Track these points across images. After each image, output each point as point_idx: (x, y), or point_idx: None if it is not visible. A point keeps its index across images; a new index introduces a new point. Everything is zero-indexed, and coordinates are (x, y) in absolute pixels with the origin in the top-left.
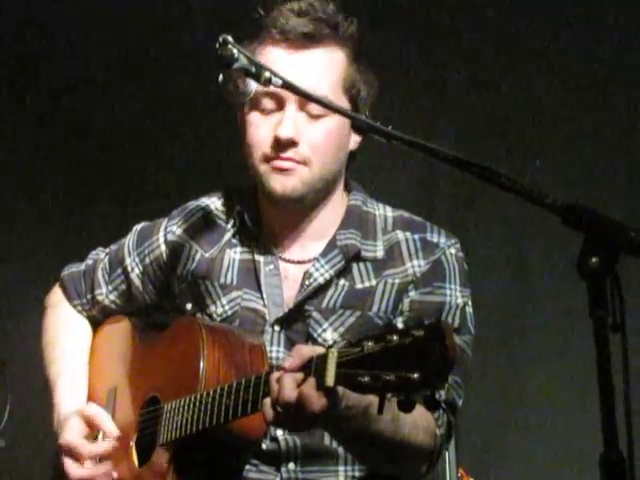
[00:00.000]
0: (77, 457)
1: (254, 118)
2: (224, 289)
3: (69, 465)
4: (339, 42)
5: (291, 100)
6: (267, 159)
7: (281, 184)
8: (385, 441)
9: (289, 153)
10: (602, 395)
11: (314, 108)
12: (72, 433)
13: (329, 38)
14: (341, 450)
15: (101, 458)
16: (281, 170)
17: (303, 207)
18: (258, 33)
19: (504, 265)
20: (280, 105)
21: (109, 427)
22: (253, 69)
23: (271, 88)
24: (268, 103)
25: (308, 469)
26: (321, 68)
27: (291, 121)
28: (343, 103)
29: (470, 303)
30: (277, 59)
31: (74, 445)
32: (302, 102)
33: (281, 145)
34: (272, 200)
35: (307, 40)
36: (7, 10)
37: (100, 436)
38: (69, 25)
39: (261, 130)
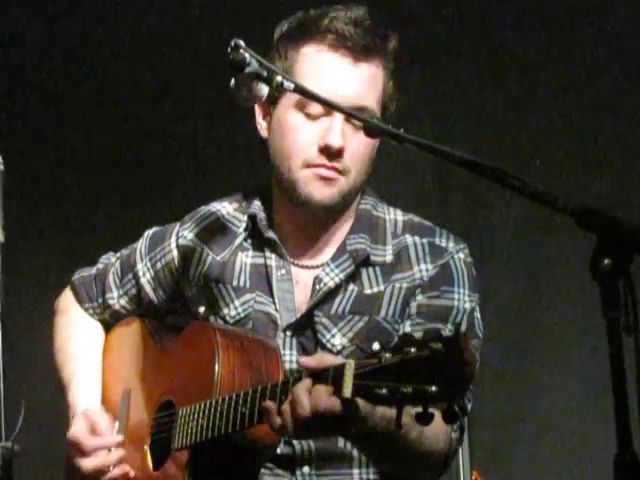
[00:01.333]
0: (81, 450)
1: (297, 121)
2: (237, 292)
3: (76, 458)
4: (386, 57)
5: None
6: (309, 165)
7: (321, 193)
8: (406, 452)
9: (334, 163)
10: (616, 396)
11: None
12: (77, 428)
13: (379, 53)
14: (355, 453)
15: (105, 450)
16: (324, 179)
17: (328, 215)
18: (301, 33)
19: (517, 266)
20: (328, 112)
21: (103, 428)
22: (265, 73)
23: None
24: (316, 108)
25: (322, 472)
26: (370, 82)
27: (341, 130)
28: (379, 115)
29: (478, 308)
30: (332, 64)
31: (78, 439)
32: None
33: (331, 154)
34: (304, 206)
35: (363, 53)
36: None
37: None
38: (74, 25)
39: (305, 135)
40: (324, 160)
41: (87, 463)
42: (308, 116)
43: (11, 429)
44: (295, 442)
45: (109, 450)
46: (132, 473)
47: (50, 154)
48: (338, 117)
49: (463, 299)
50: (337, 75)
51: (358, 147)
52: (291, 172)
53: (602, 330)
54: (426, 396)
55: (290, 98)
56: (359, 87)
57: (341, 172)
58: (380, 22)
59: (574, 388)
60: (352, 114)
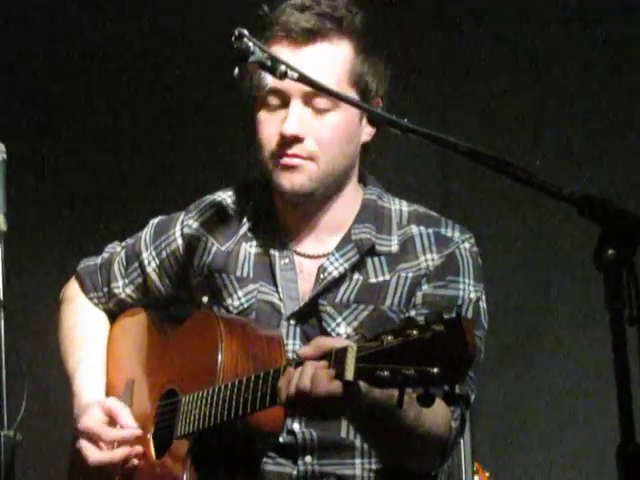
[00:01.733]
0: (96, 441)
1: (262, 116)
2: (240, 282)
3: (87, 449)
4: (343, 35)
5: (296, 96)
6: (274, 156)
7: (289, 181)
8: (407, 435)
9: (294, 149)
10: (619, 388)
11: (320, 103)
12: (92, 418)
13: (333, 32)
14: (358, 443)
15: (119, 444)
16: (288, 167)
17: (314, 202)
18: (263, 32)
19: (521, 260)
20: (285, 102)
21: (126, 420)
22: (269, 62)
23: (277, 84)
24: (274, 100)
25: (325, 462)
26: (325, 63)
27: (295, 117)
28: (352, 96)
29: (484, 298)
30: (281, 56)
31: (95, 430)
32: (307, 97)
33: (286, 142)
34: (282, 196)
35: (310, 35)
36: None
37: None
38: (80, 15)
39: (268, 127)
40: (283, 149)
41: (96, 454)
42: (268, 109)
43: (13, 418)
44: (298, 431)
45: (119, 444)
46: (136, 465)
47: (54, 142)
48: (294, 104)
49: (468, 289)
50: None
51: (322, 130)
52: (264, 165)
53: (606, 324)
54: (428, 378)
55: (259, 95)
56: (312, 71)
57: (306, 158)
58: (339, 3)
59: (577, 380)
60: (359, 104)
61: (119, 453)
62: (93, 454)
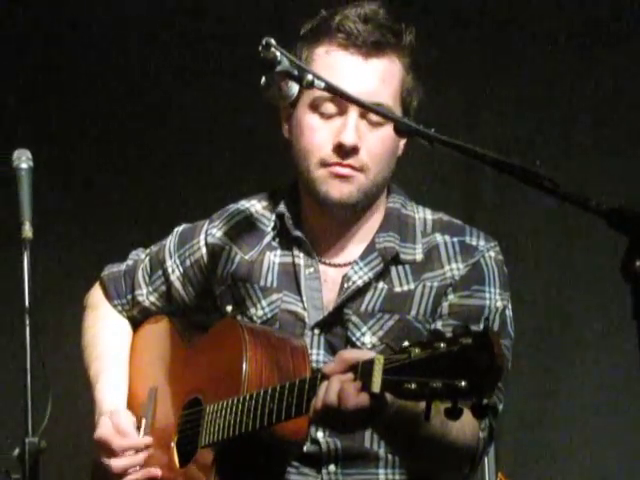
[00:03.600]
0: (109, 450)
1: (313, 121)
2: (264, 291)
3: (105, 458)
4: (400, 51)
5: (354, 107)
6: (325, 164)
7: (339, 190)
8: (433, 445)
9: (350, 160)
10: None
11: (374, 116)
12: (105, 428)
13: (392, 47)
14: (382, 453)
15: (134, 452)
16: (340, 177)
17: (351, 212)
18: (317, 35)
19: (546, 267)
20: (342, 111)
21: (128, 429)
22: (295, 72)
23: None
24: (329, 107)
25: (348, 471)
26: (384, 77)
27: (354, 128)
28: (397, 110)
29: (510, 306)
30: (342, 63)
31: (106, 439)
32: (363, 110)
33: (344, 152)
34: (325, 205)
35: (374, 49)
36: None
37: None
38: (104, 22)
39: (320, 134)
40: (339, 158)
41: (115, 463)
42: (322, 115)
43: (38, 425)
44: (322, 441)
45: (136, 451)
46: (159, 473)
47: (80, 151)
48: (352, 115)
49: (494, 298)
50: (347, 73)
51: (375, 143)
52: (309, 172)
53: (629, 330)
54: (455, 391)
55: (306, 99)
56: (371, 84)
57: (358, 169)
58: (394, 17)
59: (602, 390)
60: (385, 114)
61: (139, 459)
62: (112, 463)
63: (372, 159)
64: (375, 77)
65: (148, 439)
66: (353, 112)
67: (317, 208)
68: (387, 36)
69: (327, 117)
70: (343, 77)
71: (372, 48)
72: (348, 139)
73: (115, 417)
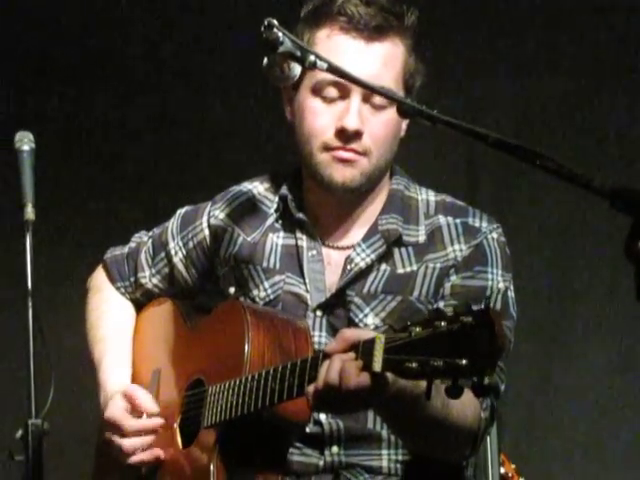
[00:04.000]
0: (121, 431)
1: (315, 105)
2: (267, 273)
3: (114, 438)
4: (403, 34)
5: (356, 91)
6: (328, 148)
7: (342, 174)
8: (434, 425)
9: (353, 144)
10: None
11: (377, 99)
12: (116, 408)
13: (395, 30)
14: (385, 434)
15: (145, 433)
16: (343, 161)
17: (354, 196)
18: (317, 18)
19: (548, 248)
20: (344, 94)
21: (148, 405)
22: (298, 53)
23: (334, 77)
24: (332, 91)
25: (351, 452)
26: (387, 60)
27: (357, 112)
28: (400, 93)
29: (512, 288)
30: (344, 47)
31: (118, 419)
32: (366, 93)
33: (347, 136)
34: (328, 189)
35: (376, 32)
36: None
37: (144, 415)
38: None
39: (323, 118)
40: (341, 143)
41: (126, 443)
42: (324, 99)
43: (41, 407)
44: (324, 422)
45: (146, 433)
46: (162, 454)
47: (82, 132)
48: (355, 99)
49: (497, 279)
50: (350, 57)
51: (378, 127)
52: (312, 155)
53: (633, 315)
54: (456, 369)
55: (308, 83)
56: (374, 67)
57: (361, 153)
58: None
59: (604, 371)
60: (387, 94)
61: (146, 441)
62: (119, 442)
63: (375, 143)
64: (377, 61)
65: (159, 420)
66: (356, 96)
67: (320, 191)
68: (389, 19)
69: (329, 101)
70: (345, 61)
71: (374, 32)
72: (351, 123)
73: (128, 394)
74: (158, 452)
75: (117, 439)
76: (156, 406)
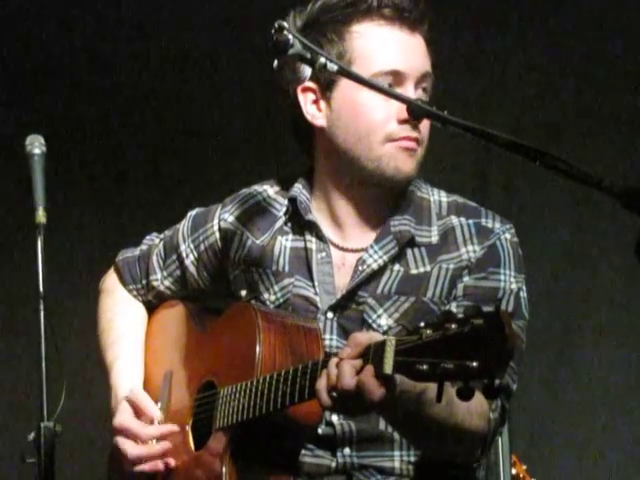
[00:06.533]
0: (132, 437)
1: (370, 98)
2: (276, 276)
3: (125, 444)
4: (428, 24)
5: (412, 78)
6: (392, 139)
7: (408, 165)
8: (439, 425)
9: (416, 133)
10: None
11: (425, 84)
12: (125, 414)
13: (425, 20)
14: (397, 435)
15: (158, 439)
16: (409, 150)
17: (395, 190)
18: (349, 9)
19: (560, 250)
20: (399, 81)
21: (150, 410)
22: (308, 55)
23: (399, 67)
24: (387, 81)
25: (363, 454)
26: (426, 49)
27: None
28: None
29: (524, 288)
30: (392, 39)
31: (128, 426)
32: (419, 80)
33: (412, 124)
34: (387, 182)
35: (418, 21)
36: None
37: (156, 421)
38: (116, 11)
39: (382, 110)
40: (407, 132)
41: (134, 451)
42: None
43: (53, 410)
44: (336, 423)
45: (157, 440)
46: (173, 463)
47: (93, 135)
48: (411, 86)
49: (509, 280)
50: (402, 47)
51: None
52: (372, 150)
53: None
54: (467, 372)
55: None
56: (421, 55)
57: (419, 143)
58: None
59: (617, 372)
60: (397, 95)
61: (157, 448)
62: (131, 449)
63: (426, 132)
64: (423, 49)
65: (168, 427)
66: (411, 83)
67: (348, 191)
68: (422, 10)
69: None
70: (398, 50)
71: (416, 22)
72: None
73: (132, 400)
74: (169, 461)
75: (125, 446)
76: (158, 411)
